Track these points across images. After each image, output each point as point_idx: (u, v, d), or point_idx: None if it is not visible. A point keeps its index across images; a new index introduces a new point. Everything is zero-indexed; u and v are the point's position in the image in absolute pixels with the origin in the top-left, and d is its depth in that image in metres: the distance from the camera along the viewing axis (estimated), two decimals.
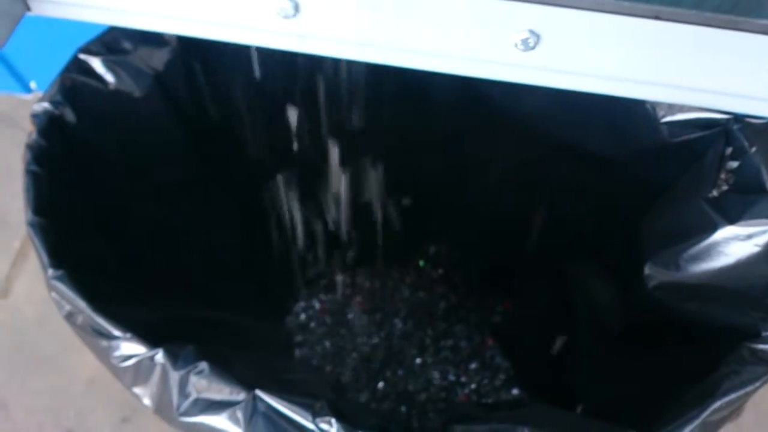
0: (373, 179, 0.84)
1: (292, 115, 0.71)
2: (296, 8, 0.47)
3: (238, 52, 0.62)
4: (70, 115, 0.59)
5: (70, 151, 0.58)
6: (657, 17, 0.42)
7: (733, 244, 0.53)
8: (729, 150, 0.56)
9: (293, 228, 0.92)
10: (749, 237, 0.52)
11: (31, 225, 0.52)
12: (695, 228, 0.55)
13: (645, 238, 0.62)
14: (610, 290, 0.71)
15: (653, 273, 0.59)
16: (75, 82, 0.59)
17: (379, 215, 0.92)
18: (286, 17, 0.48)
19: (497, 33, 0.45)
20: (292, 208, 0.88)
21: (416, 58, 0.49)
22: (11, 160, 0.78)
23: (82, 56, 0.60)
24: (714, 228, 0.54)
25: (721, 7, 0.40)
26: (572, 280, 0.81)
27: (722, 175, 0.56)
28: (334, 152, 0.77)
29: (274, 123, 0.71)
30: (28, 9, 0.53)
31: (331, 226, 0.93)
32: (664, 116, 0.58)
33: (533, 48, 0.46)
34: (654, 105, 0.58)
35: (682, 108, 0.57)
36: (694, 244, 0.56)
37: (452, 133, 0.77)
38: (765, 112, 0.49)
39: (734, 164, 0.55)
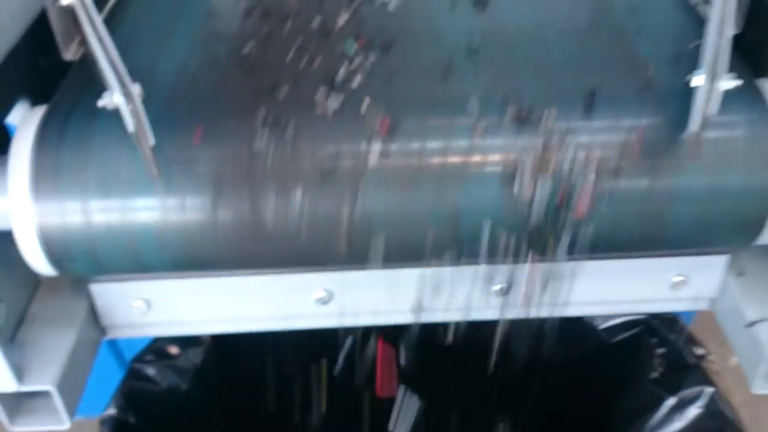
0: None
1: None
2: (330, 296, 0.63)
3: (264, 339, 0.76)
4: (132, 417, 0.70)
5: None
6: (593, 258, 0.61)
7: (680, 411, 0.70)
8: (655, 341, 0.74)
9: None
10: (691, 402, 0.69)
11: None
12: (649, 404, 0.71)
13: (613, 421, 0.77)
14: None
15: None
16: (133, 388, 0.72)
17: None
18: (324, 303, 0.63)
19: (482, 289, 0.63)
20: None
21: (423, 316, 0.65)
22: None
23: (137, 365, 0.73)
24: (662, 401, 0.71)
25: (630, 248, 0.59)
26: None
27: (656, 360, 0.73)
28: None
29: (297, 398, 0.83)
30: (105, 334, 0.66)
31: None
32: (600, 324, 0.76)
33: (507, 293, 0.63)
34: (592, 317, 0.76)
35: (614, 315, 0.75)
36: (651, 418, 0.71)
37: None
38: (673, 309, 0.68)
39: (662, 350, 0.73)
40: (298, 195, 0.49)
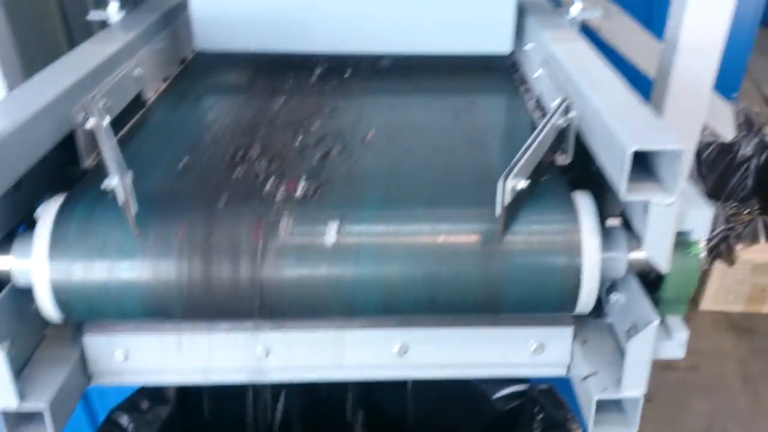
0: None
1: None
2: (267, 352, 0.81)
3: (222, 399, 0.94)
4: None
5: None
6: (466, 326, 0.80)
7: None
8: (537, 408, 0.91)
9: None
10: None
11: None
12: None
13: None
14: None
15: None
16: None
17: None
18: (260, 358, 0.81)
19: (385, 348, 0.80)
20: None
21: (342, 373, 0.83)
22: None
23: (114, 414, 0.90)
24: None
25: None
26: None
27: (535, 423, 0.90)
28: None
29: None
30: (89, 382, 0.83)
31: None
32: (493, 394, 0.93)
33: (406, 353, 0.81)
34: (487, 388, 0.93)
35: (504, 387, 0.93)
36: None
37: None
38: (537, 373, 0.85)
39: (540, 415, 0.90)
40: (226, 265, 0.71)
